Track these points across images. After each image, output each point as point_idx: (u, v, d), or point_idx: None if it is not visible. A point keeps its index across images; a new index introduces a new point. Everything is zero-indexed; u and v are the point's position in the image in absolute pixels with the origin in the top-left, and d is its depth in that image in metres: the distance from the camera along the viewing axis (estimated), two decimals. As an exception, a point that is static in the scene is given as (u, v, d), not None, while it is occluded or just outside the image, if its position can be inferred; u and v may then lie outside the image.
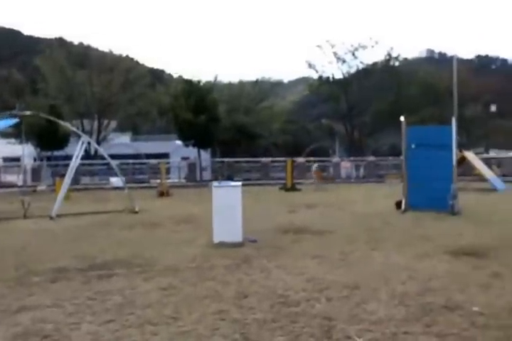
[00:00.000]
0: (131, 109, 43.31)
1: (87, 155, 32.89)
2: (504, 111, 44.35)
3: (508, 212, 12.28)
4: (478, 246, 7.79)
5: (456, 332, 4.22)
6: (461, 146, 27.34)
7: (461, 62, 58.23)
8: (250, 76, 46.14)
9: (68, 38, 52.70)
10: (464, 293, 5.39)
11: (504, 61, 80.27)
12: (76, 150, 14.40)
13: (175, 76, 54.32)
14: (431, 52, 74.31)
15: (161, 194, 20.28)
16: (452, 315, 4.69)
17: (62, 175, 15.74)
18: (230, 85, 45.47)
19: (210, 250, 7.86)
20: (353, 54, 43.58)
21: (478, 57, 76.62)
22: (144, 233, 10.02)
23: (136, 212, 13.61)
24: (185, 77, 35.21)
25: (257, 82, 45.97)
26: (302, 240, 8.70)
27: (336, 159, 34.67)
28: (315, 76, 45.94)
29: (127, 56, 47.08)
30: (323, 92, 44.87)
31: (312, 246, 8.16)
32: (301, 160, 31.77)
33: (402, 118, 13.47)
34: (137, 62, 53.24)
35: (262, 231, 9.38)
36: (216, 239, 8.24)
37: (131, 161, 31.91)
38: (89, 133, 37.87)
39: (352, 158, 34.97)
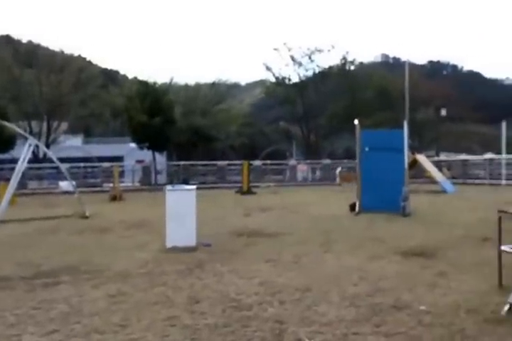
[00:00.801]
0: (83, 111, 42.38)
1: (35, 158, 32.01)
2: (454, 115, 45.69)
3: (456, 214, 12.62)
4: (426, 247, 7.97)
5: (403, 331, 4.29)
6: (414, 149, 28.00)
7: (414, 67, 59.72)
8: (207, 78, 45.61)
9: (16, 35, 50.98)
10: (412, 292, 5.49)
11: (455, 67, 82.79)
12: (22, 153, 13.93)
13: (129, 77, 53.62)
14: (385, 57, 75.91)
15: (114, 198, 19.93)
16: (400, 314, 4.76)
17: (7, 179, 15.23)
18: (186, 87, 44.98)
19: (163, 255, 7.75)
20: (310, 57, 44.13)
21: (431, 62, 78.67)
22: (93, 238, 9.79)
23: (87, 217, 13.31)
24: (141, 78, 34.76)
25: (213, 84, 45.72)
26: (256, 243, 8.69)
27: (292, 162, 34.91)
28: (272, 79, 46.24)
29: (79, 56, 46.18)
30: (280, 95, 45.14)
31: (266, 249, 8.16)
32: (257, 163, 31.84)
33: (356, 122, 13.68)
34: (90, 62, 52.31)
35: (216, 235, 9.33)
36: (169, 244, 8.14)
37: (82, 165, 31.21)
38: (38, 135, 36.83)
39: (308, 161, 35.28)
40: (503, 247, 5.53)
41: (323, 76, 44.73)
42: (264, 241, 8.93)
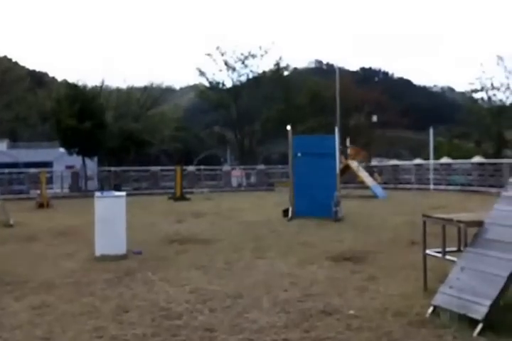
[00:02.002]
0: (8, 114, 40.54)
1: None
2: (385, 121, 47.06)
3: (386, 218, 12.97)
4: (357, 251, 8.13)
5: (332, 336, 4.34)
6: (345, 155, 28.63)
7: (347, 73, 61.14)
8: (140, 81, 44.33)
9: None
10: (341, 297, 5.57)
11: (386, 74, 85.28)
12: None
13: (59, 79, 51.77)
14: (319, 62, 77.31)
15: (41, 205, 19.16)
16: (330, 319, 4.82)
17: None
18: (118, 90, 43.77)
19: (91, 264, 7.50)
20: (243, 62, 44.20)
21: (363, 69, 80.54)
22: (17, 248, 9.35)
23: (11, 226, 12.68)
24: (70, 80, 33.60)
25: (146, 87, 44.80)
26: (188, 250, 8.59)
27: (226, 167, 34.89)
28: (206, 83, 45.98)
29: (5, 56, 44.21)
30: (214, 100, 44.98)
31: (198, 256, 8.08)
32: (191, 168, 31.60)
33: (288, 128, 13.82)
34: (16, 63, 50.19)
35: (147, 243, 9.15)
36: (98, 252, 7.89)
37: (7, 170, 29.82)
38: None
39: (243, 167, 35.36)
40: (427, 251, 5.71)
41: (257, 81, 44.93)
42: (196, 248, 8.84)
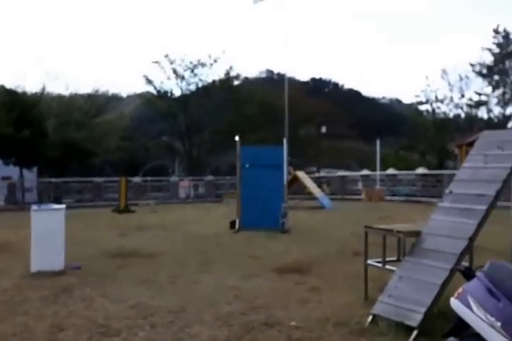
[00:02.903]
0: None
1: None
2: (334, 132, 47.72)
3: (332, 229, 13.08)
4: (302, 263, 8.15)
5: (273, 348, 4.32)
6: (296, 166, 28.90)
7: (298, 84, 61.88)
8: (84, 88, 42.37)
9: None
10: (284, 308, 5.56)
11: (336, 85, 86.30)
12: None
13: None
14: (270, 72, 77.71)
15: (-26, 219, 18.28)
16: (272, 331, 4.81)
17: None
18: (60, 97, 41.89)
19: (26, 281, 7.17)
20: (192, 71, 43.70)
21: (313, 80, 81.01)
22: None
23: None
24: (8, 86, 32.02)
25: (90, 95, 43.24)
26: (131, 265, 8.38)
27: (173, 178, 34.54)
28: (154, 91, 45.00)
29: None
30: (162, 109, 44.17)
31: (141, 270, 7.89)
32: (137, 179, 31.09)
33: (236, 138, 13.82)
34: None
35: (87, 257, 8.86)
36: (34, 268, 7.57)
37: None
38: None
39: (191, 177, 35.08)
40: (369, 261, 5.78)
41: (207, 90, 44.48)
42: (139, 262, 8.63)
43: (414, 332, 4.29)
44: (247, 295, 6.22)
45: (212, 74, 44.75)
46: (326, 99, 56.05)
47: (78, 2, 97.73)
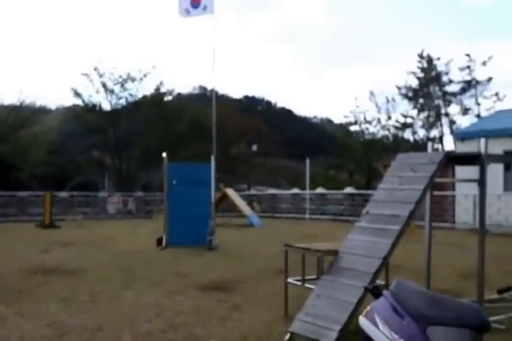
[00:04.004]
0: None
1: None
2: (266, 150, 48.18)
3: (259, 247, 13.19)
4: (226, 280, 8.18)
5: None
6: (227, 183, 28.94)
7: (230, 101, 62.21)
8: (8, 100, 39.94)
9: None
10: (204, 326, 5.55)
11: (268, 103, 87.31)
12: None
13: None
14: (204, 89, 77.68)
15: None
16: (190, 349, 4.79)
17: None
18: None
19: None
20: (122, 85, 42.82)
21: (246, 97, 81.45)
22: None
23: None
24: None
25: (15, 107, 40.50)
26: (51, 282, 8.10)
27: (102, 193, 33.73)
28: (82, 105, 43.61)
29: None
30: (91, 123, 42.94)
31: (60, 288, 7.65)
32: (64, 194, 30.13)
33: (164, 155, 13.73)
34: None
35: (5, 274, 8.52)
36: None
37: None
38: None
39: (120, 193, 34.36)
40: (289, 280, 5.90)
41: (137, 105, 43.72)
42: (60, 279, 8.36)
43: (329, 350, 4.41)
44: (168, 312, 6.17)
45: (143, 89, 43.93)
46: (258, 117, 56.62)
47: (4, 9, 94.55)
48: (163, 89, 44.89)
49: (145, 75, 42.38)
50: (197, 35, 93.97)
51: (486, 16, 75.85)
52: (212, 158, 13.74)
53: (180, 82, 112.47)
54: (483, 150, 5.28)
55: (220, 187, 24.02)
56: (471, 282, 5.54)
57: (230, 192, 23.32)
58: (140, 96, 44.15)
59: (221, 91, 67.65)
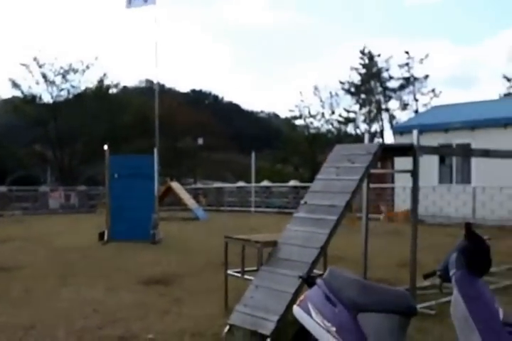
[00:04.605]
0: None
1: None
2: (213, 144, 48.01)
3: (204, 240, 13.12)
4: (169, 274, 8.10)
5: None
6: (173, 177, 28.68)
7: (177, 95, 61.54)
8: None
9: None
10: (143, 321, 5.48)
11: (216, 97, 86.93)
12: None
13: None
14: (150, 82, 76.31)
15: None
16: (127, 345, 4.71)
17: None
18: None
19: None
20: (64, 76, 41.40)
21: (194, 91, 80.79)
22: None
23: None
24: None
25: None
26: (-17, 279, 7.80)
27: (43, 188, 32.72)
28: (21, 96, 41.87)
29: None
30: (31, 116, 41.31)
31: (-6, 285, 7.37)
32: (2, 189, 29.05)
33: (105, 147, 13.43)
34: None
35: None
36: None
37: None
38: None
39: (63, 187, 33.45)
40: (229, 271, 5.88)
41: (80, 98, 42.46)
42: (-6, 276, 8.07)
43: (267, 340, 4.41)
44: (106, 308, 6.05)
45: (86, 82, 42.60)
46: (205, 111, 56.36)
47: None
48: (107, 82, 43.78)
49: (88, 67, 41.19)
50: (142, 28, 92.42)
51: (424, 16, 78.48)
52: (156, 150, 13.55)
53: (127, 75, 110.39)
54: (415, 141, 5.41)
55: (166, 181, 23.80)
56: (406, 270, 5.67)
57: (175, 185, 23.09)
58: (83, 88, 42.85)
59: (168, 84, 66.89)
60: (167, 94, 58.43)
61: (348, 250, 9.01)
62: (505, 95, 37.96)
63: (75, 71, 41.33)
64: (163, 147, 41.59)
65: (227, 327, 4.85)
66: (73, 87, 42.15)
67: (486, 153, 7.25)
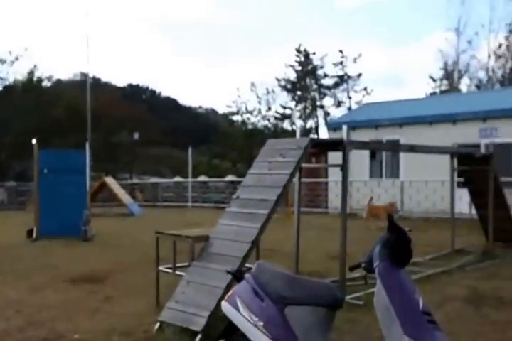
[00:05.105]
0: None
1: None
2: (150, 139, 47.36)
3: (138, 236, 12.84)
4: (100, 271, 7.89)
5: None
6: (108, 172, 27.99)
7: (114, 89, 60.08)
8: None
9: None
10: (70, 321, 5.28)
11: (153, 92, 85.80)
12: None
13: None
14: (85, 76, 74.26)
15: None
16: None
17: None
18: None
19: None
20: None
21: (131, 85, 79.49)
22: None
23: None
24: None
25: None
26: None
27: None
28: None
29: None
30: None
31: None
32: None
33: (33, 141, 12.91)
34: None
35: None
36: None
37: None
38: None
39: (-11, 184, 31.95)
40: (160, 267, 5.78)
41: (8, 90, 40.57)
42: None
43: (198, 337, 4.35)
44: (30, 308, 5.79)
45: (15, 73, 40.83)
46: (142, 106, 55.47)
47: None
48: (38, 74, 42.15)
49: (17, 58, 39.47)
50: (75, 19, 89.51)
51: (356, 18, 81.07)
52: (87, 144, 13.16)
53: (62, 68, 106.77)
54: (345, 136, 5.49)
55: (101, 176, 23.23)
56: (337, 263, 5.76)
57: (110, 181, 22.55)
58: (11, 80, 41.09)
59: (104, 78, 65.20)
60: (103, 88, 56.99)
61: (283, 244, 9.08)
62: (431, 94, 39.88)
63: (3, 62, 39.51)
64: (98, 142, 40.61)
65: (158, 325, 4.75)
66: (1, 78, 40.36)
67: (412, 148, 7.48)
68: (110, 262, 8.88)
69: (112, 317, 5.42)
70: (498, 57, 38.66)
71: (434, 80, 41.48)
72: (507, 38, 38.01)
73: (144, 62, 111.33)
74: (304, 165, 5.64)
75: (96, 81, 66.82)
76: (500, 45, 38.24)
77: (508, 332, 4.74)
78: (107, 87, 61.55)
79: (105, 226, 14.60)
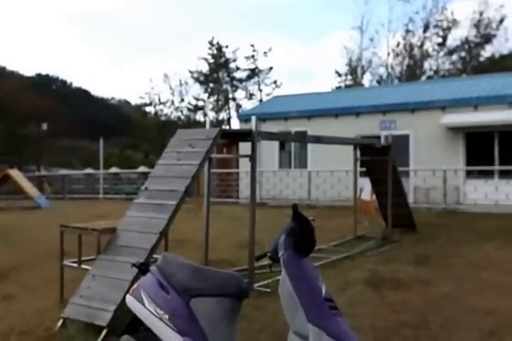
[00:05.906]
0: None
1: None
2: (60, 130, 45.72)
3: (44, 230, 12.27)
4: (1, 268, 7.47)
5: None
6: (14, 164, 26.65)
7: (21, 78, 57.10)
8: None
9: None
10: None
11: (64, 82, 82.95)
12: None
13: None
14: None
15: None
16: None
17: None
18: None
19: None
20: None
21: (40, 75, 76.27)
22: None
23: None
24: None
25: None
26: None
27: None
28: None
29: None
30: None
31: None
32: None
33: None
34: None
35: None
36: None
37: None
38: None
39: None
40: (65, 262, 5.57)
41: None
42: None
43: (104, 332, 4.24)
44: None
45: None
46: (52, 96, 53.30)
47: None
48: None
49: None
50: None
51: (266, 15, 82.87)
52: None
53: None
54: (254, 127, 5.53)
55: (4, 169, 22.14)
56: (247, 251, 5.81)
57: (14, 173, 21.44)
58: None
59: (10, 67, 61.93)
60: (8, 77, 54.06)
61: (194, 234, 9.03)
62: (337, 88, 41.45)
63: None
64: (3, 133, 38.52)
65: (61, 321, 4.58)
66: None
67: (318, 139, 7.67)
68: (13, 258, 8.44)
69: (11, 316, 5.16)
70: (396, 55, 40.68)
71: (340, 75, 43.22)
72: (404, 37, 40.09)
73: (54, 52, 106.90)
74: (214, 155, 5.62)
75: (1, 69, 63.06)
76: (398, 44, 40.30)
77: (404, 312, 4.99)
78: (14, 76, 58.65)
79: (9, 219, 13.94)
